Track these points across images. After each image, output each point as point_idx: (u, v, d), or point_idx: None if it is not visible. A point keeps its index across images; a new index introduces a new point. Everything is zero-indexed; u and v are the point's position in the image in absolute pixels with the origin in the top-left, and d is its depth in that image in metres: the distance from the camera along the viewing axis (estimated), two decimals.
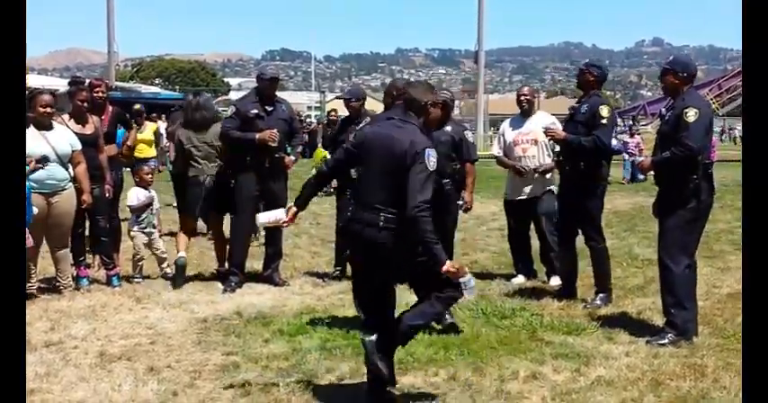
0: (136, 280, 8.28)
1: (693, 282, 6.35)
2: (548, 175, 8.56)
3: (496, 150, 8.88)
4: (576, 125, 7.37)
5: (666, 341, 6.04)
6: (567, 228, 7.56)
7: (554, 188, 8.47)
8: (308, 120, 16.42)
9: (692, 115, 5.96)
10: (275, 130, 7.97)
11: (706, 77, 57.66)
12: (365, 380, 5.17)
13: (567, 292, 7.58)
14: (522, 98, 8.63)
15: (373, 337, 4.69)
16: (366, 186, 4.80)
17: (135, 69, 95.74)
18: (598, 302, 7.27)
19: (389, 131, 4.77)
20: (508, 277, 8.59)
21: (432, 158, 4.61)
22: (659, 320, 6.54)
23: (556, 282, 8.23)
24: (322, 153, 13.63)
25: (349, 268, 8.62)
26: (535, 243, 8.76)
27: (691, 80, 6.33)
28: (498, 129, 10.98)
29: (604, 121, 7.18)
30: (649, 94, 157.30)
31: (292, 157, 8.55)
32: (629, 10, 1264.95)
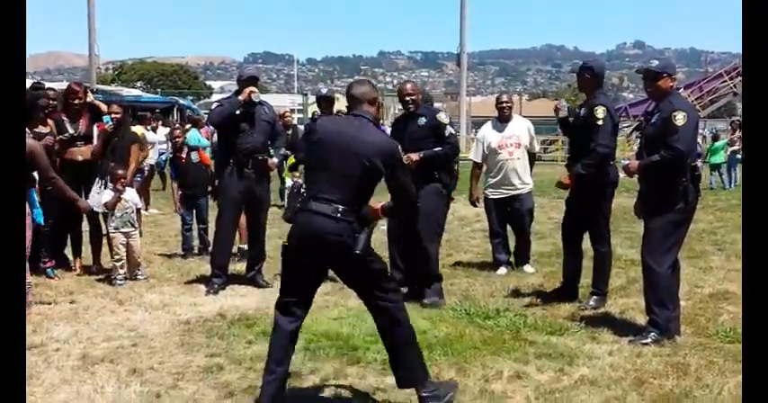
0: (118, 282, 8.24)
1: (676, 283, 6.38)
2: (527, 176, 9.13)
3: (479, 157, 9.31)
4: (576, 129, 7.37)
5: (649, 340, 6.06)
6: (575, 231, 7.56)
7: (531, 187, 9.21)
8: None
9: (680, 118, 6.00)
10: (253, 87, 8.04)
11: (687, 80, 57.96)
12: (349, 380, 5.23)
13: (570, 294, 7.56)
14: (504, 105, 9.13)
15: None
16: (323, 181, 4.59)
17: (116, 72, 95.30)
18: (592, 303, 7.29)
19: (349, 130, 4.66)
20: (492, 278, 8.66)
21: (401, 150, 4.73)
22: (642, 320, 6.57)
23: (530, 269, 9.04)
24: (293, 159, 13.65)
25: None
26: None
27: (675, 82, 6.42)
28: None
29: (599, 123, 7.05)
30: (631, 95, 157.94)
31: (275, 159, 8.54)
32: (610, 13, 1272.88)
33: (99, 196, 8.58)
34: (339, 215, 4.49)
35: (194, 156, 10.27)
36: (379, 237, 10.37)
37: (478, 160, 9.27)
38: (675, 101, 6.22)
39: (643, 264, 6.31)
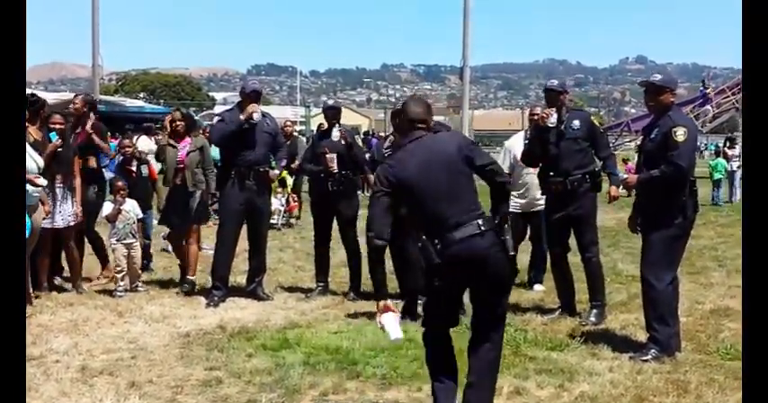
0: (118, 293, 8.23)
1: (676, 299, 6.37)
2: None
3: (506, 167, 8.93)
4: (575, 141, 7.34)
5: (650, 357, 6.05)
6: (563, 243, 7.52)
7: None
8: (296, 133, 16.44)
9: (681, 134, 6.00)
10: (255, 105, 8.03)
11: (689, 95, 57.96)
12: (348, 395, 5.20)
13: (569, 309, 7.52)
14: (535, 117, 8.57)
15: None
16: (443, 208, 4.43)
17: (120, 83, 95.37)
18: (593, 319, 7.26)
19: (429, 152, 4.57)
20: None
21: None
22: (642, 336, 6.55)
23: (539, 288, 8.81)
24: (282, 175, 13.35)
25: (332, 284, 8.67)
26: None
27: (675, 97, 6.41)
28: (489, 145, 11.05)
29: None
30: (633, 110, 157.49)
31: (276, 171, 8.56)
32: (613, 28, 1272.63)
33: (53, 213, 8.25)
34: (482, 228, 4.41)
35: (144, 169, 9.91)
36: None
37: (505, 170, 8.95)
38: (675, 116, 6.22)
39: (642, 279, 6.30)
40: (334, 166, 8.28)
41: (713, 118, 38.13)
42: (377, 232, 4.49)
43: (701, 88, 39.03)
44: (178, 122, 8.94)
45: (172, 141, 8.82)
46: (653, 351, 6.10)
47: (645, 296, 6.30)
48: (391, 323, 4.45)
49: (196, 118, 32.14)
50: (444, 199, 4.43)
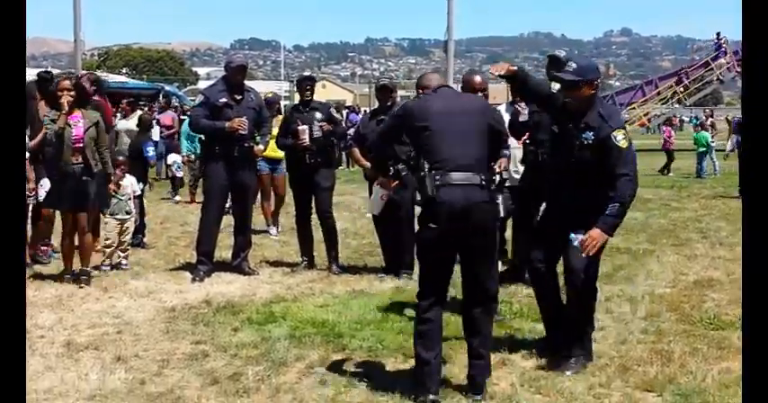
0: (104, 268, 8.21)
1: None
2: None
3: None
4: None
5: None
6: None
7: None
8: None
9: (622, 139, 5.02)
10: (244, 118, 7.94)
11: (673, 67, 58.08)
12: (335, 367, 5.23)
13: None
14: (477, 88, 8.19)
15: None
16: (453, 151, 4.56)
17: (102, 58, 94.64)
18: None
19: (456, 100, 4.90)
20: None
21: None
22: (627, 307, 6.62)
23: None
24: None
25: (317, 258, 8.66)
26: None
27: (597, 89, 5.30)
28: None
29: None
30: (618, 83, 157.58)
31: (261, 146, 8.51)
32: (598, 0, 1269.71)
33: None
34: (483, 182, 4.57)
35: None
36: (366, 225, 10.39)
37: None
38: (606, 112, 5.19)
39: (587, 291, 5.44)
40: (306, 139, 8.22)
41: (696, 90, 38.11)
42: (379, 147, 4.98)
43: (716, 40, 38.83)
44: (65, 92, 7.51)
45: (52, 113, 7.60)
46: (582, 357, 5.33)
47: (587, 301, 5.46)
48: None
49: (180, 94, 31.68)
50: (458, 142, 4.58)
